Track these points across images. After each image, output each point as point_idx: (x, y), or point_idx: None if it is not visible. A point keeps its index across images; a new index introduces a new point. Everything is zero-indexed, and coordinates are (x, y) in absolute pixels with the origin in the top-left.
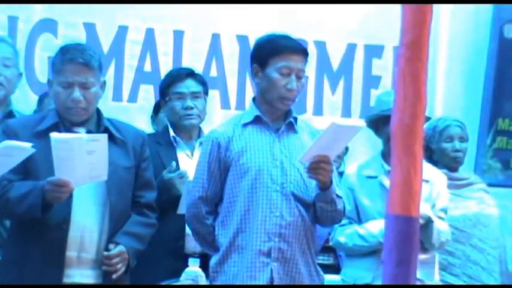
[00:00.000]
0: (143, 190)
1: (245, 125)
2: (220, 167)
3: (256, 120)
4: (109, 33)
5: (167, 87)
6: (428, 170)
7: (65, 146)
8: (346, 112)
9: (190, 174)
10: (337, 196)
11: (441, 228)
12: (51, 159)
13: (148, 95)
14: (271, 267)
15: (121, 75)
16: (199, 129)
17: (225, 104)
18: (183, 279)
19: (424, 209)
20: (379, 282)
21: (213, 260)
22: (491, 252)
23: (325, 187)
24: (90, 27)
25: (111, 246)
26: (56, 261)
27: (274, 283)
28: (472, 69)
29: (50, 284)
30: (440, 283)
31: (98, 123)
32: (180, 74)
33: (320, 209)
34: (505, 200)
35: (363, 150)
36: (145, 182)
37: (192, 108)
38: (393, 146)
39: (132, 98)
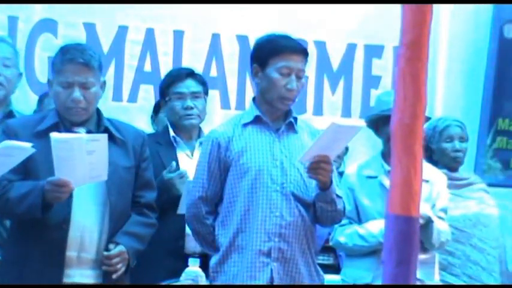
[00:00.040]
0: (143, 190)
1: (245, 125)
2: (220, 167)
3: (256, 120)
4: (109, 33)
5: (167, 87)
6: (428, 170)
7: (65, 146)
8: (346, 112)
9: (190, 174)
10: (337, 196)
11: (441, 228)
12: (51, 159)
13: (148, 95)
14: (271, 267)
15: (121, 75)
16: (200, 129)
17: (225, 104)
18: (183, 279)
19: (424, 209)
20: (379, 282)
21: (213, 260)
22: (491, 252)
23: (325, 187)
24: (90, 27)
25: (111, 246)
26: (56, 261)
27: (274, 283)
28: (472, 69)
29: (50, 284)
30: (440, 283)
31: (98, 123)
32: (180, 74)
33: (320, 209)
34: (505, 200)
35: (363, 150)
36: (145, 182)
37: (192, 108)
38: (393, 146)
39: (132, 98)
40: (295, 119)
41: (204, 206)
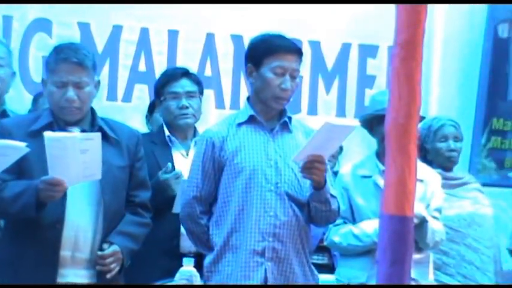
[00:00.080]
0: (137, 190)
1: (239, 124)
2: (215, 167)
3: (251, 120)
4: (103, 33)
5: (162, 86)
6: (423, 170)
7: (58, 144)
8: (341, 112)
9: (186, 174)
10: (332, 196)
11: (435, 227)
12: (45, 159)
13: (142, 94)
14: (265, 266)
15: (115, 74)
16: (195, 128)
17: (220, 104)
18: (178, 279)
19: (419, 209)
20: (373, 282)
21: (207, 260)
22: (486, 252)
23: (319, 187)
24: (84, 27)
25: (105, 245)
26: (50, 261)
27: (268, 283)
28: (466, 69)
29: (44, 284)
30: (435, 283)
31: (92, 123)
32: (175, 74)
33: (314, 208)
34: (500, 200)
35: (357, 149)
36: (140, 181)
37: (187, 107)
38: (387, 145)
39: (127, 97)
40: (290, 118)
41: (198, 205)
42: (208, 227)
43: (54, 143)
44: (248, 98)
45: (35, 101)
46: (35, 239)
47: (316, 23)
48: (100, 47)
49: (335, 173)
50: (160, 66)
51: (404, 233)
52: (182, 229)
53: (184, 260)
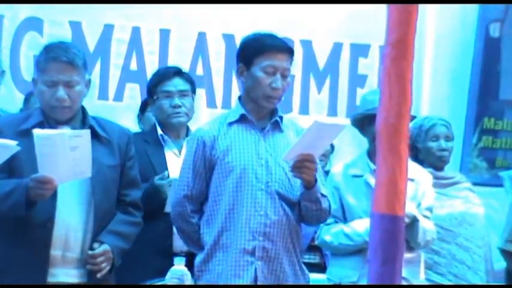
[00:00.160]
0: (128, 188)
1: (230, 123)
2: (206, 166)
3: (242, 119)
4: (95, 32)
5: (155, 86)
6: (414, 169)
7: (47, 142)
8: (332, 111)
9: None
10: (322, 195)
11: (427, 227)
12: (35, 158)
13: (134, 93)
14: (256, 266)
15: (107, 73)
16: (187, 127)
17: (211, 103)
18: (169, 278)
19: (410, 208)
20: (364, 281)
21: (198, 259)
22: (477, 251)
23: (309, 186)
24: (75, 26)
25: (95, 245)
26: (40, 261)
27: (258, 282)
28: (458, 69)
29: (35, 284)
30: (426, 282)
31: (82, 122)
32: (167, 73)
33: (305, 208)
34: (491, 199)
35: (348, 149)
36: (131, 180)
37: (179, 106)
38: (378, 145)
39: (118, 96)
40: (281, 118)
41: (189, 204)
42: (199, 226)
43: (44, 140)
44: (239, 97)
45: (27, 100)
46: (25, 238)
47: (307, 23)
48: (91, 46)
49: (326, 172)
50: (151, 66)
51: (396, 232)
52: (175, 228)
53: (176, 259)
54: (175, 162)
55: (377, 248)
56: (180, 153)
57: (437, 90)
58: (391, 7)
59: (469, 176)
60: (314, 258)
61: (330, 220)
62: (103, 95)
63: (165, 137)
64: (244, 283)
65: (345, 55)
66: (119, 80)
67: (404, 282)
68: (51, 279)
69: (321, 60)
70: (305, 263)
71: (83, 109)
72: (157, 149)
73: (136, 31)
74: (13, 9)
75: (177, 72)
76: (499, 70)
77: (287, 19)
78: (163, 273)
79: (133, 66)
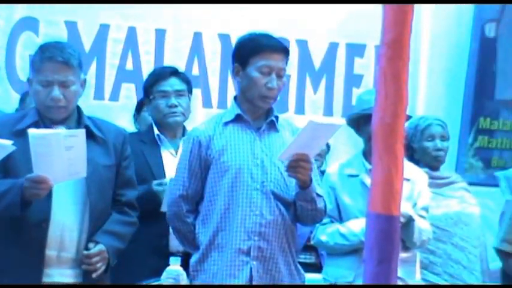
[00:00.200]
0: (124, 188)
1: (226, 123)
2: (201, 166)
3: (238, 119)
4: (91, 32)
5: (151, 85)
6: (410, 169)
7: (42, 142)
8: (328, 111)
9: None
10: (318, 195)
11: (422, 226)
12: (30, 158)
13: (130, 93)
14: (251, 265)
15: (103, 73)
16: (184, 127)
17: (207, 103)
18: (164, 278)
19: (405, 208)
20: (360, 281)
21: (193, 259)
22: (473, 251)
23: (304, 186)
24: (71, 26)
25: (90, 245)
26: (35, 261)
27: (254, 282)
28: (453, 69)
29: (30, 284)
30: (422, 282)
31: (78, 121)
32: (164, 73)
33: (300, 207)
34: (486, 199)
35: (344, 149)
36: (127, 180)
37: (176, 106)
38: (374, 145)
39: (114, 96)
40: (277, 117)
41: (185, 204)
42: (195, 226)
43: (39, 140)
44: (235, 97)
45: (22, 100)
46: (21, 238)
47: (303, 23)
48: (87, 45)
49: (322, 172)
50: (147, 65)
51: (391, 232)
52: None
53: (171, 259)
54: (171, 162)
55: (373, 248)
56: (176, 153)
57: (433, 90)
58: (387, 7)
59: (464, 175)
60: (310, 258)
61: (325, 220)
62: (99, 94)
63: (162, 137)
64: (240, 283)
65: (341, 55)
66: (114, 79)
67: (400, 282)
68: (46, 279)
69: (317, 60)
70: (301, 263)
71: (79, 109)
72: (154, 149)
73: (132, 31)
74: (9, 9)
75: (174, 72)
76: (494, 70)
77: (283, 19)
78: (159, 273)
79: (129, 66)
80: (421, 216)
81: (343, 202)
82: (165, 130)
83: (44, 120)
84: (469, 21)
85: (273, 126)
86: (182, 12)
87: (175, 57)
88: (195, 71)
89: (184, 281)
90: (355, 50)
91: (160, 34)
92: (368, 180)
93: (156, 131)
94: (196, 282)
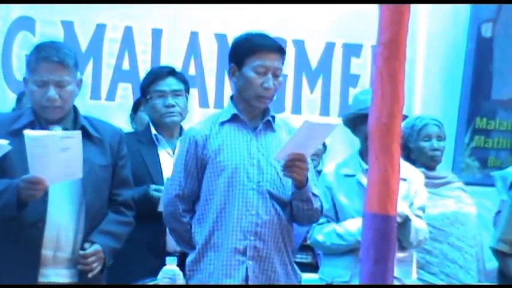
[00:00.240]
0: (120, 188)
1: (222, 123)
2: (197, 165)
3: (234, 119)
4: (87, 32)
5: (148, 85)
6: (406, 169)
7: (38, 143)
8: (325, 111)
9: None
10: (314, 195)
11: (419, 226)
12: (26, 158)
13: (126, 93)
14: (247, 265)
15: (99, 73)
16: (181, 127)
17: (204, 103)
18: (161, 278)
19: (402, 208)
20: (357, 281)
21: (189, 258)
22: (469, 251)
23: (300, 185)
24: (68, 25)
25: (86, 245)
26: (31, 261)
27: (250, 282)
28: (450, 69)
29: (26, 284)
30: (418, 281)
31: (74, 121)
32: (161, 73)
33: (296, 207)
34: (483, 199)
35: (341, 148)
36: (123, 180)
37: (173, 106)
38: (371, 144)
39: (110, 96)
40: (273, 117)
41: (181, 204)
42: (191, 226)
43: (35, 141)
44: (232, 97)
45: (19, 100)
46: (17, 238)
47: (300, 22)
48: (84, 45)
49: (319, 172)
50: (144, 65)
51: (388, 232)
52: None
53: (168, 259)
54: (169, 161)
55: (369, 248)
56: (173, 153)
57: (430, 90)
58: (383, 7)
59: (461, 175)
60: (306, 258)
61: (322, 220)
62: (95, 94)
63: (159, 137)
64: (236, 283)
65: (337, 55)
66: (111, 79)
67: (396, 282)
68: (42, 279)
69: (314, 60)
70: (297, 263)
71: (75, 109)
72: (151, 149)
73: (128, 31)
74: (5, 8)
75: (171, 71)
76: (491, 70)
77: (280, 19)
78: (156, 273)
79: (126, 65)
80: (417, 216)
81: (340, 202)
82: (163, 130)
83: (39, 120)
84: (465, 21)
85: (269, 126)
86: (179, 12)
87: (172, 57)
88: (192, 70)
89: (180, 280)
90: (352, 50)
91: (156, 34)
92: (364, 180)
93: (153, 131)
94: (192, 282)
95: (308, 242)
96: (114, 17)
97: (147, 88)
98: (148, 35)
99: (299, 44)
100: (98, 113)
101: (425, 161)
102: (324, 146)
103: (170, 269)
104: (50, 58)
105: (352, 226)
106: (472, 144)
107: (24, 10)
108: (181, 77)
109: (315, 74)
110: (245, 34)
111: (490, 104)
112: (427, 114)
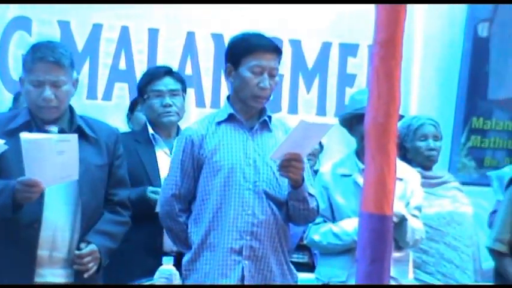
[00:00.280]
0: (116, 188)
1: (219, 123)
2: (194, 165)
3: (230, 119)
4: (83, 31)
5: (145, 85)
6: (402, 169)
7: (35, 146)
8: (321, 110)
9: None
10: (310, 195)
11: (415, 226)
12: (22, 158)
13: (123, 93)
14: (243, 265)
15: (96, 73)
16: (178, 127)
17: (200, 102)
18: (157, 278)
19: (398, 207)
20: (353, 281)
21: (185, 258)
22: (465, 251)
23: (296, 185)
24: (64, 25)
25: (82, 245)
26: (27, 261)
27: (245, 281)
28: (446, 68)
29: (22, 284)
30: (414, 281)
31: (70, 121)
32: (158, 72)
33: (292, 207)
34: (479, 198)
35: (337, 148)
36: (119, 179)
37: (170, 105)
38: (367, 144)
39: (107, 96)
40: (270, 117)
41: (177, 203)
42: (187, 225)
43: (31, 144)
44: (228, 97)
45: (16, 99)
46: (13, 238)
47: (296, 22)
48: (80, 45)
49: (316, 172)
50: (140, 65)
51: (384, 232)
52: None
53: (164, 258)
54: (166, 161)
55: (365, 247)
56: (171, 153)
57: (426, 89)
58: (380, 7)
59: (457, 175)
60: (303, 258)
61: (318, 219)
62: (92, 94)
63: (156, 136)
64: (231, 282)
65: (334, 54)
66: (107, 79)
67: (392, 282)
68: (38, 279)
69: (310, 59)
70: (294, 263)
71: (71, 108)
72: (148, 148)
73: (125, 30)
74: (1, 8)
75: (168, 71)
76: (487, 70)
77: (276, 19)
78: (153, 273)
79: (122, 65)
80: (413, 215)
81: (336, 202)
82: (160, 130)
83: (35, 120)
84: (461, 21)
85: (265, 126)
86: (175, 11)
87: (168, 56)
88: (188, 70)
89: (177, 280)
90: (348, 49)
91: (153, 34)
92: (361, 180)
93: (150, 131)
94: (188, 282)
95: (305, 241)
96: (111, 16)
97: (144, 88)
98: (144, 34)
99: (296, 44)
100: (95, 112)
101: (422, 161)
102: (321, 145)
103: (166, 268)
104: (46, 58)
105: (349, 226)
106: (468, 144)
107: (20, 10)
108: (178, 76)
109: (311, 73)
110: (241, 34)
111: (487, 104)
112: (423, 114)
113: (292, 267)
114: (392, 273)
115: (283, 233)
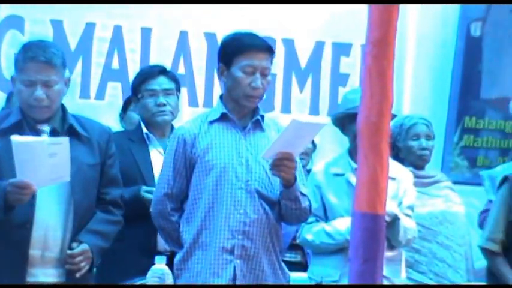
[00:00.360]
0: (108, 187)
1: (211, 122)
2: (186, 164)
3: (223, 118)
4: (76, 30)
5: (139, 84)
6: (395, 168)
7: (26, 148)
8: (314, 110)
9: None
10: (302, 194)
11: (408, 225)
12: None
13: (115, 92)
14: (234, 264)
15: (88, 72)
16: (172, 126)
17: (193, 102)
18: (150, 277)
19: (391, 207)
20: (346, 280)
21: (177, 257)
22: (458, 250)
23: (288, 184)
24: (57, 24)
25: (74, 244)
26: (19, 261)
27: (237, 280)
28: (439, 68)
29: (14, 284)
30: (407, 280)
31: (62, 120)
32: (152, 72)
33: (284, 206)
34: (472, 198)
35: (330, 147)
36: (111, 178)
37: (164, 104)
38: (360, 144)
39: (100, 95)
40: (262, 117)
41: (170, 202)
42: (179, 224)
43: (22, 147)
44: (221, 96)
45: (8, 99)
46: (4, 238)
47: (289, 22)
48: (73, 44)
49: (308, 171)
50: (133, 64)
51: (377, 231)
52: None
53: (157, 258)
54: (160, 160)
55: (358, 247)
56: (165, 152)
57: (419, 89)
58: (372, 7)
59: (450, 174)
60: (296, 257)
61: (311, 219)
62: (84, 93)
63: (150, 136)
64: (223, 282)
65: (327, 54)
66: (100, 78)
67: (385, 281)
68: (30, 279)
69: (303, 59)
70: (287, 262)
71: (63, 108)
72: (142, 148)
73: (117, 30)
74: None
75: (162, 70)
76: (480, 69)
77: (269, 18)
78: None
79: (115, 64)
80: (406, 215)
81: (329, 201)
82: (154, 129)
83: (27, 120)
84: (454, 20)
85: (258, 125)
86: (168, 11)
87: (161, 56)
88: (181, 69)
89: (169, 280)
90: (341, 49)
91: (146, 33)
92: (353, 179)
93: (144, 130)
94: (180, 281)
95: (297, 241)
96: (104, 16)
97: (138, 87)
98: (137, 34)
99: (288, 43)
100: (87, 112)
101: (414, 160)
102: (314, 144)
103: (159, 268)
104: (37, 58)
105: (341, 225)
106: (461, 144)
107: (13, 9)
108: (172, 76)
109: (304, 73)
110: (233, 33)
111: (479, 103)
112: (416, 114)
113: (284, 266)
114: (385, 272)
115: (275, 232)
